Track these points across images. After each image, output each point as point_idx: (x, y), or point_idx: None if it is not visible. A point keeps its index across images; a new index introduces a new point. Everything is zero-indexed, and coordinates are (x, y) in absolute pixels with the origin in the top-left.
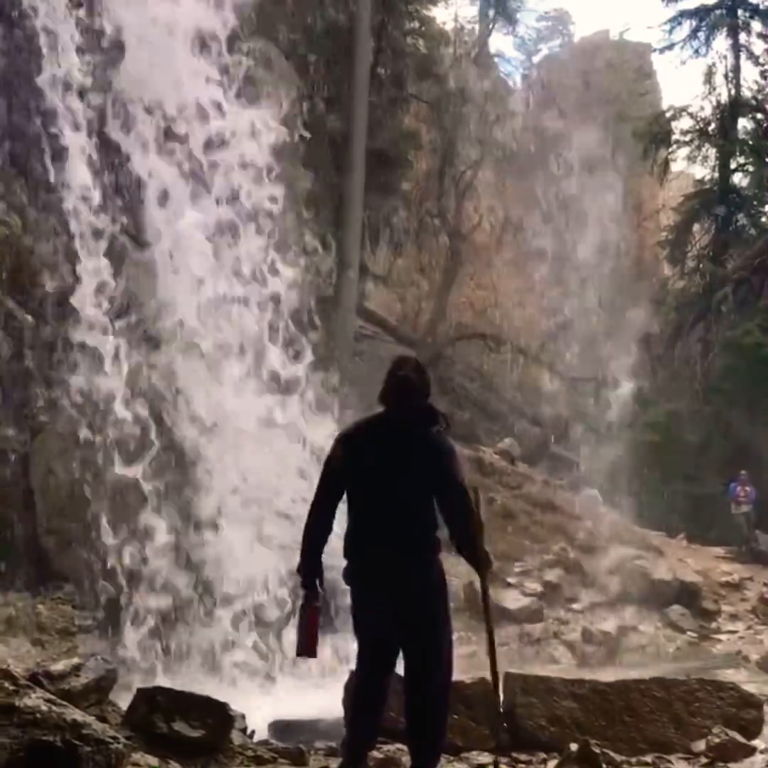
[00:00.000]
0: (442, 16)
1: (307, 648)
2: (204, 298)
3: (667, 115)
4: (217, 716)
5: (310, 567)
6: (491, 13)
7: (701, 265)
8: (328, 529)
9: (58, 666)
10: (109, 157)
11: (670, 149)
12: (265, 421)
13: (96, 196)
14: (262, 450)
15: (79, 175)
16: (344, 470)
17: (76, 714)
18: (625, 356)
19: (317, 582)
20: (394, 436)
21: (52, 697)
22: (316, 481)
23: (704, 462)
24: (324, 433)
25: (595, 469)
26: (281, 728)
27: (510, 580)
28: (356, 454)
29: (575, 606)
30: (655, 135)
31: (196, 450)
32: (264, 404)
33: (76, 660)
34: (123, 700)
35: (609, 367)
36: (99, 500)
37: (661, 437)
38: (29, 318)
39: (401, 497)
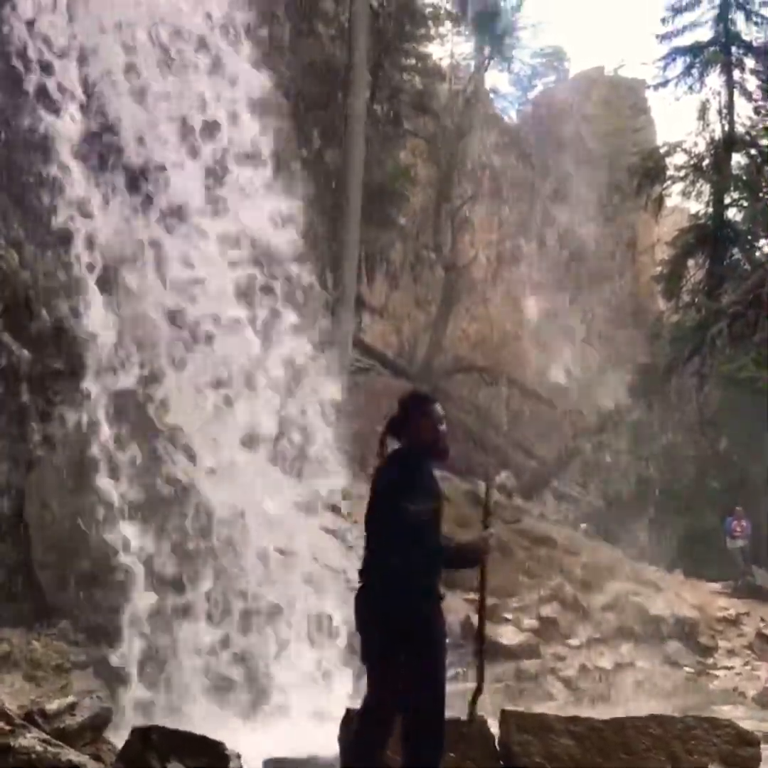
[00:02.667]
0: (438, 52)
1: None
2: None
3: (662, 150)
4: (212, 755)
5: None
6: (487, 50)
7: (696, 300)
8: None
9: (53, 705)
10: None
11: (665, 184)
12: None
13: (94, 233)
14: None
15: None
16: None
17: (71, 754)
18: (621, 390)
19: None
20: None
21: (48, 737)
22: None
23: (701, 496)
24: None
25: (592, 503)
26: (275, 766)
27: (506, 615)
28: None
29: (572, 642)
30: (650, 170)
31: (193, 489)
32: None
33: (71, 698)
34: (119, 737)
35: (605, 401)
36: (94, 536)
37: (657, 471)
38: (26, 352)
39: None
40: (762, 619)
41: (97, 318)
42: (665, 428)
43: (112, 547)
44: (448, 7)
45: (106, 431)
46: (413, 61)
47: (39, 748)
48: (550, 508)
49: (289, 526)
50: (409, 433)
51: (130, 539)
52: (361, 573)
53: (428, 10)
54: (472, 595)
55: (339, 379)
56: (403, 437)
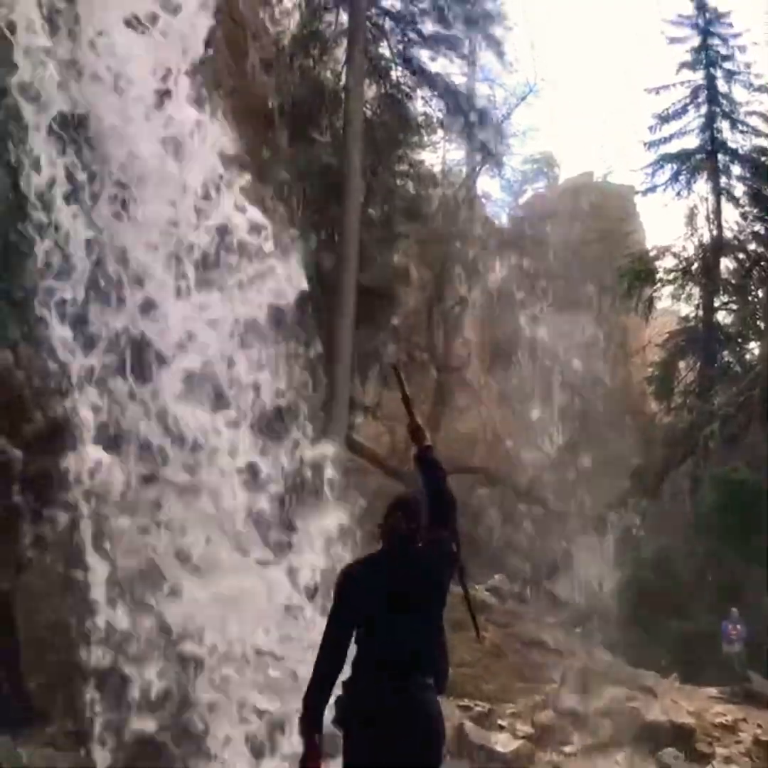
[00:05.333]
0: (430, 159)
1: None
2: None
3: (651, 254)
4: None
5: (315, 714)
6: (478, 156)
7: (688, 401)
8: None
9: None
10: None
11: (655, 287)
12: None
13: (90, 333)
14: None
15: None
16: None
17: None
18: (613, 491)
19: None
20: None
21: None
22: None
23: (696, 599)
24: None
25: (586, 606)
26: None
27: (501, 722)
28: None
29: (567, 749)
30: (640, 273)
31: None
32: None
33: None
34: None
35: (599, 503)
36: (84, 642)
37: (652, 574)
38: (18, 452)
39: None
40: (759, 726)
41: (90, 420)
42: (659, 530)
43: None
44: (440, 115)
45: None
46: (406, 167)
47: None
48: (543, 611)
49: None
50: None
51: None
52: None
53: (421, 118)
54: (466, 701)
55: None
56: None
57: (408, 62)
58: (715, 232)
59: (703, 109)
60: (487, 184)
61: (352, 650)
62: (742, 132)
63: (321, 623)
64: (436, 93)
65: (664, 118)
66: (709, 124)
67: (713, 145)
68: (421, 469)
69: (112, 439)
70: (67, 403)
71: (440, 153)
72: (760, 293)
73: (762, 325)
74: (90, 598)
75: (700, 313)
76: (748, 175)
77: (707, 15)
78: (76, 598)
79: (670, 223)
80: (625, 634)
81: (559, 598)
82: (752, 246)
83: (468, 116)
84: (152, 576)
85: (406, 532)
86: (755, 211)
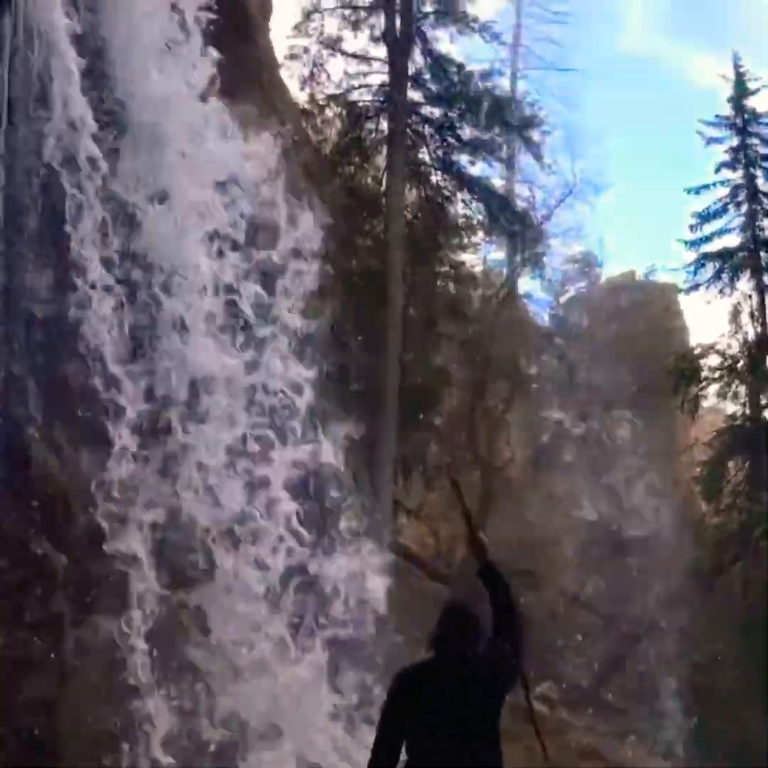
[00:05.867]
0: (471, 260)
1: None
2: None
3: (696, 352)
4: None
5: None
6: (519, 257)
7: (737, 502)
8: None
9: None
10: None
11: (700, 386)
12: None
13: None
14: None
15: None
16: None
17: None
18: (663, 594)
19: None
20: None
21: None
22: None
23: (750, 705)
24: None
25: (641, 714)
26: None
27: None
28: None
29: None
30: (684, 372)
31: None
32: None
33: None
34: None
35: (648, 606)
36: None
37: (706, 679)
38: (63, 557)
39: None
40: None
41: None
42: (710, 633)
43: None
44: (480, 218)
45: (140, 642)
46: (447, 269)
47: None
48: (596, 719)
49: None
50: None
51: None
52: None
53: (461, 220)
54: None
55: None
56: None
57: (448, 167)
58: (759, 329)
59: (744, 208)
60: (528, 284)
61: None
62: None
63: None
64: (475, 196)
65: (705, 217)
66: (750, 223)
67: (755, 244)
68: (486, 584)
69: (155, 542)
70: (111, 507)
71: (481, 254)
72: None
73: None
74: (134, 705)
75: (747, 411)
76: None
77: (745, 115)
78: (120, 706)
79: (713, 320)
80: (682, 742)
81: (612, 705)
82: None
83: (508, 218)
84: (197, 679)
85: (459, 643)
86: None
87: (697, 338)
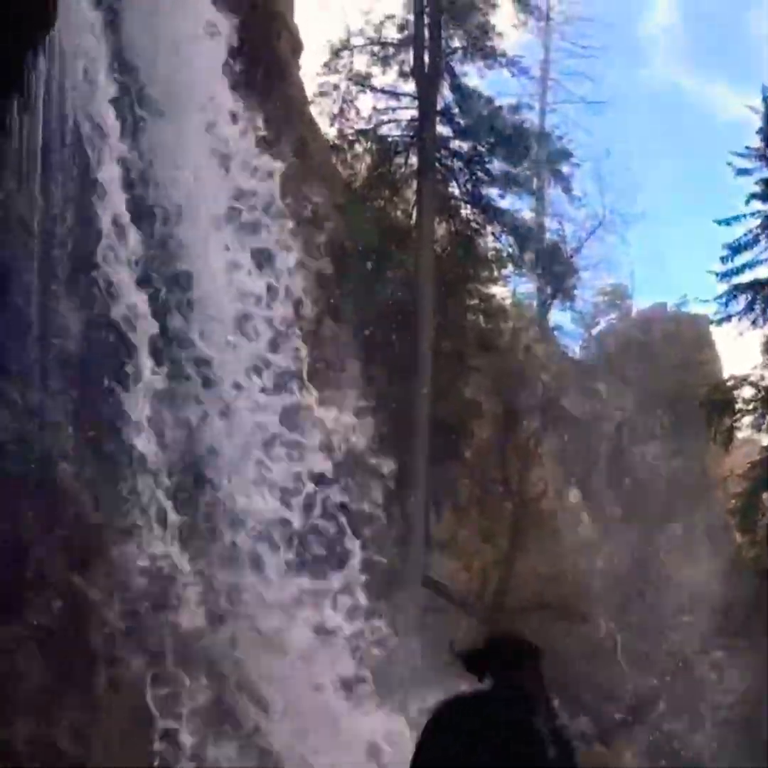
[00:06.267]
0: (501, 292)
1: None
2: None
3: (729, 383)
4: None
5: None
6: (549, 290)
7: None
8: None
9: None
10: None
11: (734, 417)
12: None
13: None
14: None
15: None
16: None
17: None
18: (700, 629)
19: None
20: None
21: None
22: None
23: None
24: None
25: (677, 749)
26: None
27: None
28: None
29: None
30: (718, 403)
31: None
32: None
33: None
34: None
35: (684, 641)
36: None
37: (743, 714)
38: (97, 593)
39: None
40: None
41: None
42: (751, 667)
43: None
44: (510, 250)
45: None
46: (477, 302)
47: None
48: (631, 757)
49: None
50: None
51: None
52: None
53: (491, 253)
54: None
55: (409, 618)
56: None
57: (477, 200)
58: None
59: None
60: (558, 316)
61: None
62: None
63: None
64: (505, 229)
65: (736, 249)
66: None
67: None
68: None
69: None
70: (145, 546)
71: (511, 286)
72: None
73: None
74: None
75: None
76: None
77: None
78: (153, 741)
79: (746, 352)
80: None
81: (651, 740)
82: None
83: (538, 251)
84: (230, 715)
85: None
86: None
87: (729, 370)
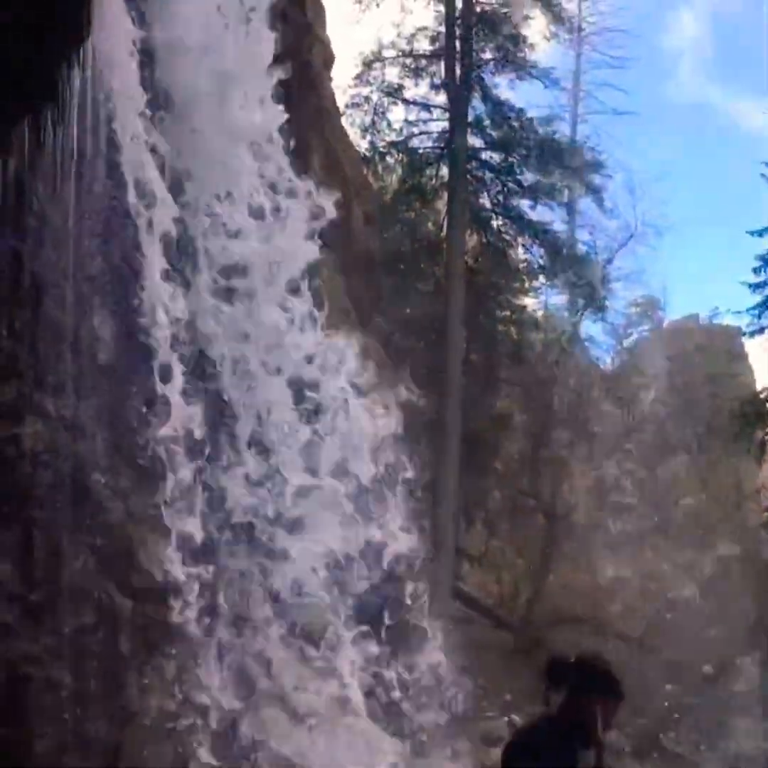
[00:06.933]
0: (532, 304)
1: None
2: None
3: (762, 395)
4: None
5: None
6: (581, 301)
7: None
8: None
9: None
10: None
11: (767, 430)
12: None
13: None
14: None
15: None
16: None
17: None
18: (733, 643)
19: None
20: None
21: None
22: None
23: None
24: None
25: (706, 763)
26: None
27: None
28: None
29: None
30: (750, 415)
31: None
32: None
33: None
34: None
35: (717, 653)
36: None
37: None
38: (128, 602)
39: None
40: None
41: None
42: None
43: None
44: (541, 262)
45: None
46: (508, 313)
47: None
48: None
49: None
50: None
51: None
52: None
53: (522, 265)
54: None
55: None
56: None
57: (508, 211)
58: None
59: None
60: (590, 328)
61: None
62: None
63: None
64: (536, 241)
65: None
66: None
67: None
68: None
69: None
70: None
71: (542, 298)
72: None
73: None
74: (195, 747)
75: None
76: None
77: None
78: (182, 748)
79: None
80: None
81: (680, 755)
82: None
83: (569, 263)
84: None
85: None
86: None
87: (762, 382)
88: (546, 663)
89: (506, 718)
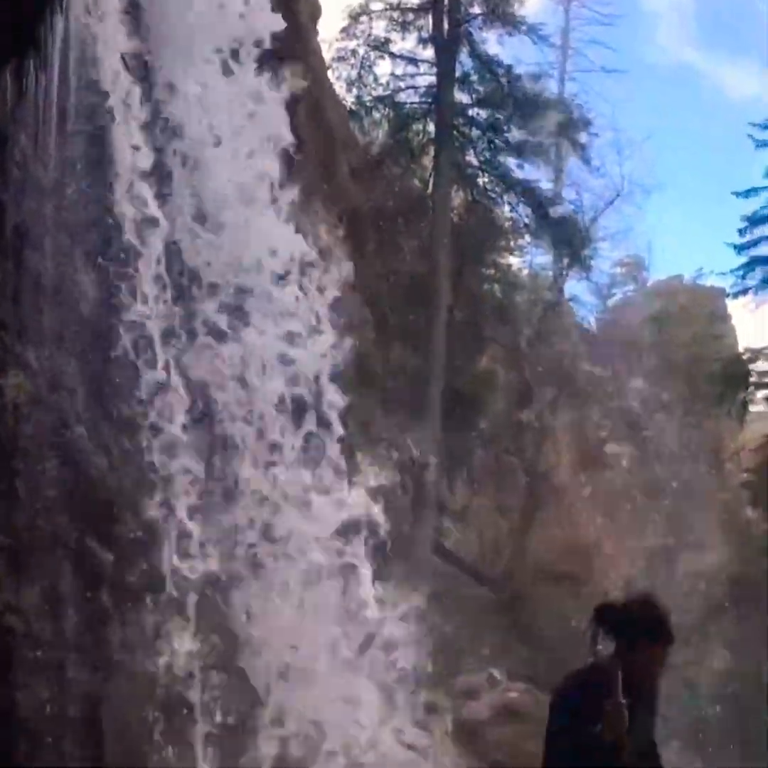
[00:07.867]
0: (517, 263)
1: None
2: None
3: (744, 357)
4: None
5: None
6: (566, 260)
7: None
8: None
9: None
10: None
11: (748, 391)
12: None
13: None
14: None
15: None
16: None
17: None
18: (710, 600)
19: None
20: None
21: None
22: None
23: None
24: None
25: (681, 719)
26: None
27: None
28: None
29: None
30: (732, 377)
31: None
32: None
33: None
34: None
35: (694, 611)
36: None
37: (751, 689)
38: (110, 556)
39: None
40: None
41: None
42: (762, 643)
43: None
44: (527, 220)
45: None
46: (493, 272)
47: None
48: None
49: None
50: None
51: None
52: None
53: (507, 223)
54: None
55: (421, 585)
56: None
57: (494, 169)
58: None
59: None
60: (575, 287)
61: None
62: None
63: None
64: (522, 199)
65: (754, 221)
66: None
67: None
68: None
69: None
70: (161, 508)
71: (527, 257)
72: None
73: None
74: (178, 701)
75: None
76: None
77: None
78: (163, 702)
79: (762, 325)
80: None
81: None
82: None
83: (555, 221)
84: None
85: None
86: None
87: (745, 343)
88: (594, 609)
89: (485, 673)
